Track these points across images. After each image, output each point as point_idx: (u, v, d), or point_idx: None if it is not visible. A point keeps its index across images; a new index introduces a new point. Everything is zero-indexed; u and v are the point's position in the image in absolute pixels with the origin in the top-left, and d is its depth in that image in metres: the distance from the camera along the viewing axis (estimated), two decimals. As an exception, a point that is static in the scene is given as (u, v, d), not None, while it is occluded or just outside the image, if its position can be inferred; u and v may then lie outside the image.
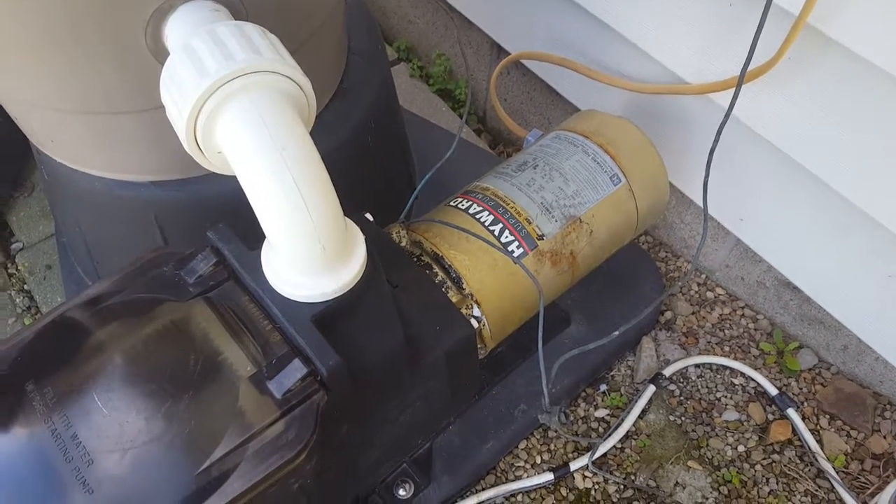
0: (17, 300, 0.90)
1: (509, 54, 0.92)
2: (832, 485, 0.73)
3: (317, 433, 0.46)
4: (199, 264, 0.51)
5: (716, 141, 0.66)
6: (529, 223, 0.66)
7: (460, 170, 0.79)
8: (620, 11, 0.77)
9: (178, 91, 0.43)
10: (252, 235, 0.51)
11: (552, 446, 0.77)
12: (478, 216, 0.66)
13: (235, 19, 0.49)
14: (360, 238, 0.50)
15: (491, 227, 0.65)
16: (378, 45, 0.77)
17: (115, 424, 0.44)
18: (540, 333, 0.62)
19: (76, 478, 0.42)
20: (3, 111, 0.96)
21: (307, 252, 0.46)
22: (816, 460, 0.75)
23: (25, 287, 0.92)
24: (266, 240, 0.50)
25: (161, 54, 0.51)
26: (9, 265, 0.94)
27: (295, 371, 0.46)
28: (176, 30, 0.48)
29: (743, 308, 0.87)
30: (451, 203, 0.69)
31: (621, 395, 0.80)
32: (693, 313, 0.87)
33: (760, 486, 0.74)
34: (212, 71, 0.42)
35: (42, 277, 0.91)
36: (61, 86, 0.55)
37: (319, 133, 0.67)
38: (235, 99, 0.43)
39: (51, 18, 0.47)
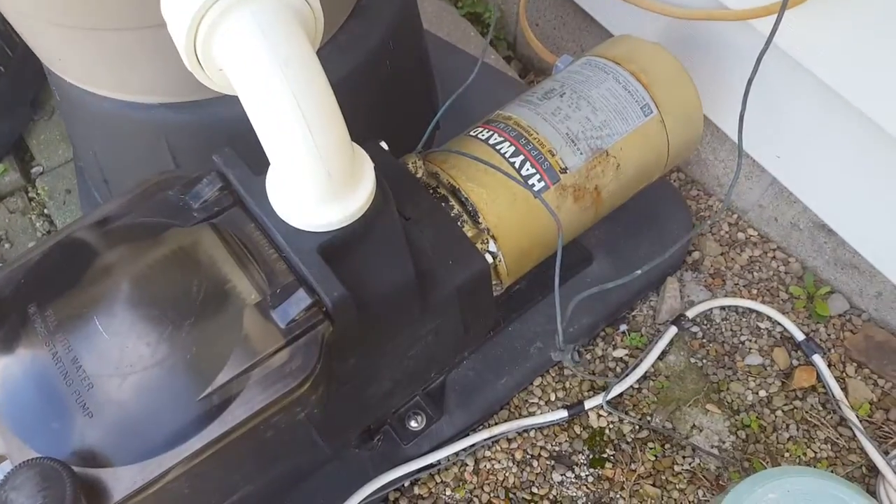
0: (38, 224, 0.91)
1: (540, -25, 0.87)
2: (854, 433, 0.71)
3: (321, 364, 0.45)
4: (204, 189, 0.49)
5: (755, 70, 0.61)
6: (553, 155, 0.63)
7: (486, 98, 0.76)
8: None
9: (177, 4, 0.41)
10: (263, 160, 0.49)
11: (567, 384, 0.76)
12: (498, 147, 0.63)
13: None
14: (369, 165, 0.48)
15: (511, 159, 0.62)
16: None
17: (116, 349, 0.43)
18: (557, 270, 0.60)
19: (76, 401, 0.42)
20: (17, 31, 0.94)
21: (311, 178, 0.44)
22: (839, 408, 0.72)
23: (45, 211, 0.92)
24: (271, 165, 0.48)
25: None
26: (29, 189, 0.94)
27: (300, 301, 0.45)
28: None
29: (774, 250, 0.84)
30: (472, 133, 0.66)
31: (642, 335, 0.78)
32: (722, 254, 0.84)
33: (780, 431, 0.73)
34: None
35: (62, 202, 0.91)
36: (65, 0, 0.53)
37: (333, 55, 0.64)
38: (235, 11, 0.40)
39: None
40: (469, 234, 0.60)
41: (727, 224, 0.86)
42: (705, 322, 0.79)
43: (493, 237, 0.61)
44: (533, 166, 0.63)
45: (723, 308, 0.79)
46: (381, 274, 0.50)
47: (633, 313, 0.80)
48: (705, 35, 0.76)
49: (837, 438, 0.72)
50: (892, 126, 0.62)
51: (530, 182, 0.62)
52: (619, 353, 0.78)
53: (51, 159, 0.95)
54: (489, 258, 0.60)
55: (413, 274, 0.51)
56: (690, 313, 0.78)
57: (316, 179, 0.44)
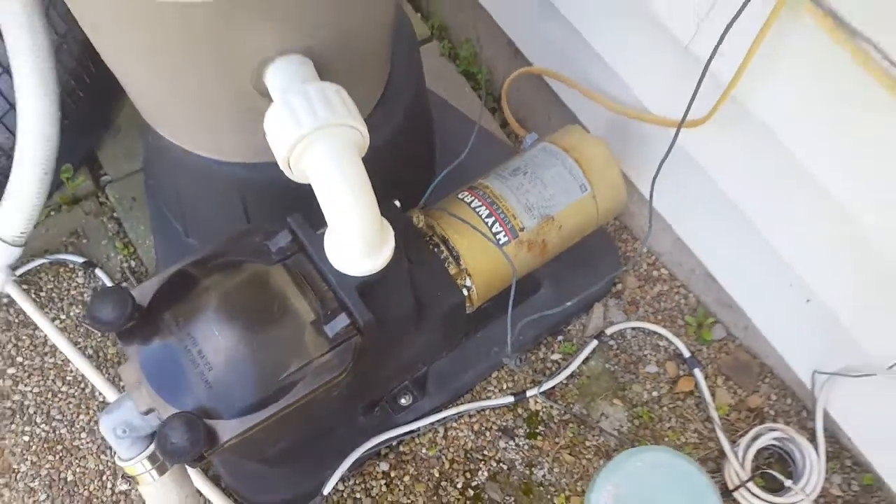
0: (108, 225, 1.13)
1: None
2: (714, 428, 0.99)
3: (352, 362, 0.70)
4: (279, 239, 0.74)
5: (657, 171, 0.87)
6: (515, 218, 0.89)
7: (475, 154, 0.98)
8: (608, 50, 0.96)
9: (280, 133, 0.64)
10: (314, 215, 0.73)
11: (515, 378, 1.03)
12: (477, 210, 0.89)
13: (315, 66, 0.70)
14: (391, 233, 0.73)
15: (486, 220, 0.88)
16: (414, 56, 0.96)
17: (225, 345, 0.68)
18: (511, 301, 0.86)
19: (201, 377, 0.67)
20: (93, 60, 1.14)
21: (356, 245, 0.69)
22: (708, 408, 1.00)
23: (115, 215, 1.14)
24: (328, 229, 0.72)
25: (260, 87, 0.71)
26: (99, 195, 1.16)
27: (342, 321, 0.70)
28: (277, 77, 0.68)
29: (679, 287, 1.11)
30: (459, 196, 0.91)
31: (573, 344, 1.05)
32: (639, 287, 1.11)
33: (664, 422, 1.00)
34: (304, 122, 0.63)
35: (129, 208, 1.14)
36: (185, 107, 0.76)
37: (364, 137, 0.88)
38: (319, 143, 0.63)
39: (190, 70, 0.68)
40: (452, 272, 0.85)
41: (646, 264, 1.13)
42: (620, 338, 1.06)
43: (469, 275, 0.87)
44: (500, 225, 0.88)
45: (634, 329, 1.07)
46: (393, 304, 0.75)
47: (568, 328, 1.07)
48: (640, 126, 1.02)
49: (703, 430, 1.00)
50: (751, 215, 0.89)
51: (497, 237, 0.88)
52: (555, 356, 1.05)
53: (117, 171, 1.17)
54: (465, 291, 0.86)
55: (413, 304, 0.77)
56: (609, 331, 1.05)
57: (359, 246, 0.69)
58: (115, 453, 0.70)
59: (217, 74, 0.68)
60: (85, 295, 1.09)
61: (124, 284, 1.10)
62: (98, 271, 1.09)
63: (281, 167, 0.67)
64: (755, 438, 0.97)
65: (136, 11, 0.61)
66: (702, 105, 0.82)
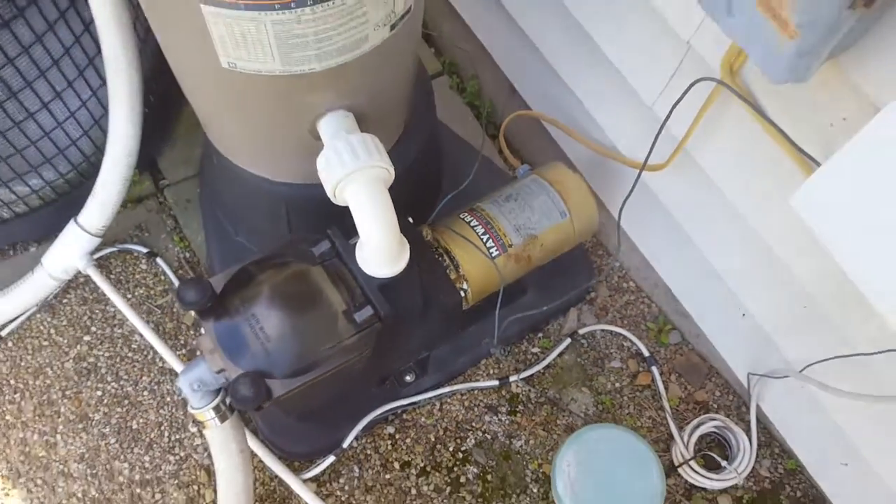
0: (167, 222, 1.35)
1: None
2: (665, 415, 1.20)
3: (372, 344, 0.92)
4: (321, 246, 0.95)
5: (623, 203, 1.08)
6: (505, 236, 1.10)
7: (475, 177, 1.20)
8: (589, 100, 1.17)
9: (329, 170, 0.85)
10: (344, 226, 0.94)
11: (501, 365, 1.24)
12: (475, 227, 1.10)
13: (356, 117, 0.91)
14: (407, 249, 0.94)
15: (482, 237, 1.09)
16: (429, 100, 1.17)
17: (280, 323, 0.89)
18: (499, 302, 1.07)
19: (262, 346, 0.88)
20: (158, 81, 1.35)
21: (381, 255, 0.90)
22: (661, 399, 1.21)
23: (172, 213, 1.36)
24: (359, 241, 0.93)
25: (313, 132, 0.92)
26: (159, 196, 1.38)
27: (367, 311, 0.91)
28: (326, 127, 0.89)
29: (644, 298, 1.32)
30: (461, 216, 1.12)
31: (550, 341, 1.26)
32: (610, 296, 1.32)
33: (624, 409, 1.21)
34: (348, 164, 0.84)
35: (183, 208, 1.35)
36: (253, 143, 0.97)
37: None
38: (358, 179, 0.85)
39: (261, 119, 0.89)
40: (452, 277, 1.07)
41: (617, 276, 1.34)
42: (590, 337, 1.27)
43: (465, 280, 1.08)
44: (493, 241, 1.09)
45: (603, 330, 1.28)
46: (405, 300, 0.96)
47: (547, 327, 1.28)
48: (613, 162, 1.23)
49: (656, 417, 1.21)
50: (698, 241, 1.10)
51: (490, 251, 1.09)
52: (535, 350, 1.26)
53: (175, 176, 1.38)
54: (462, 292, 1.07)
55: (421, 301, 0.98)
56: (582, 331, 1.26)
57: (383, 257, 0.90)
58: (188, 403, 0.92)
59: (282, 123, 0.90)
60: (147, 279, 1.31)
61: (180, 272, 1.31)
62: (158, 260, 1.31)
63: (328, 195, 0.88)
64: (699, 426, 1.18)
65: (226, 79, 0.82)
66: (663, 150, 1.03)
